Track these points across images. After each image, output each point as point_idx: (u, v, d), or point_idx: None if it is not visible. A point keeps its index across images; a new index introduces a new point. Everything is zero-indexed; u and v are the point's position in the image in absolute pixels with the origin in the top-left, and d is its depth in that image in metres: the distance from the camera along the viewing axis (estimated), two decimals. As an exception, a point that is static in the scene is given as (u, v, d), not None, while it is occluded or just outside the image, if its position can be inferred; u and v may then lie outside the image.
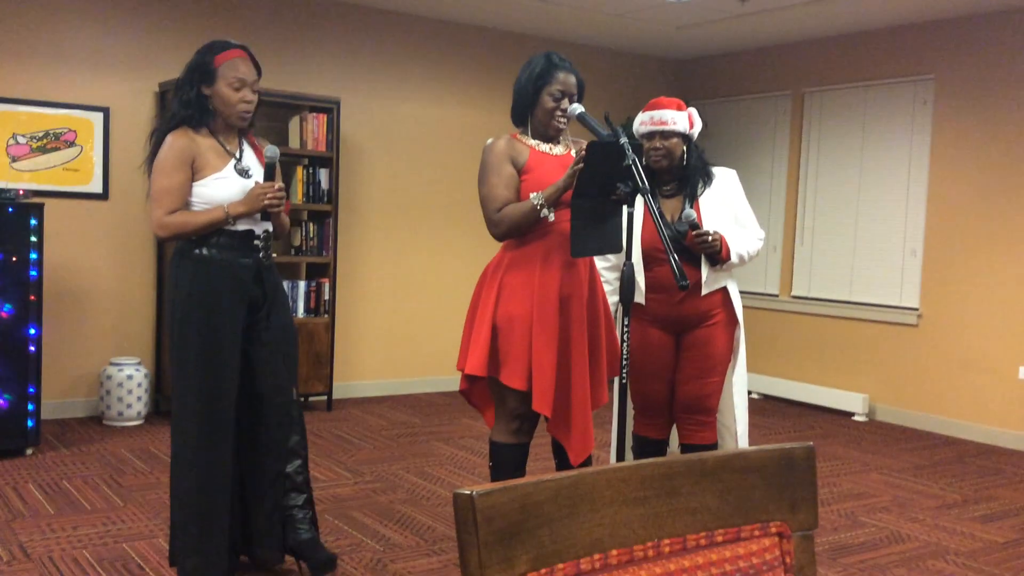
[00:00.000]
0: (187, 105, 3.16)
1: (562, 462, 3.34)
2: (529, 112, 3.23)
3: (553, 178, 3.09)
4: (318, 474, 4.74)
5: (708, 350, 3.50)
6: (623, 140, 2.97)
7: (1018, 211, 5.98)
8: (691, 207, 3.44)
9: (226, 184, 3.15)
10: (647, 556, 1.15)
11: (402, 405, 6.57)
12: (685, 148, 3.47)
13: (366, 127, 6.68)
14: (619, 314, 3.38)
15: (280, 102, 5.93)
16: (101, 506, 4.16)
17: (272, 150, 3.20)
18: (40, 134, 5.58)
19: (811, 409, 6.98)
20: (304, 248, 6.21)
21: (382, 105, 6.74)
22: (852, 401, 6.74)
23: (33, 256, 4.80)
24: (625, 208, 3.14)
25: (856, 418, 6.69)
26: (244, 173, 3.20)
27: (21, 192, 4.82)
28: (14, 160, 5.51)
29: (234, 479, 3.23)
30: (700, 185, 3.49)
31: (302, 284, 6.18)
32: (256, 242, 3.21)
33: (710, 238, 3.33)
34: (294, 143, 6.13)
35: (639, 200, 3.24)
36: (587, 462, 3.25)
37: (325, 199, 6.20)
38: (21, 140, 5.53)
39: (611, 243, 3.13)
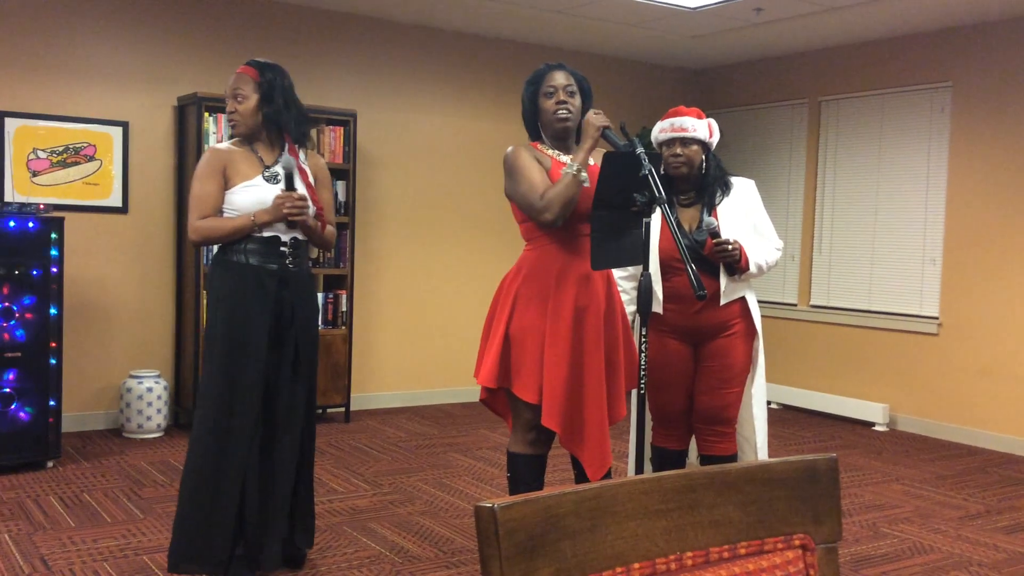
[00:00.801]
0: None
1: (581, 474, 3.31)
2: (538, 123, 3.25)
3: None
4: (336, 486, 4.74)
5: (727, 361, 3.48)
6: (639, 150, 2.96)
7: (1039, 218, 5.93)
8: (710, 216, 3.44)
9: (255, 191, 3.27)
10: (670, 569, 1.14)
11: (420, 416, 6.57)
12: (704, 157, 3.48)
13: (383, 139, 6.70)
14: (636, 324, 3.37)
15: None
16: (121, 518, 4.17)
17: (286, 160, 3.28)
18: (60, 149, 5.63)
19: (831, 419, 6.93)
20: (321, 260, 6.24)
21: (398, 117, 6.76)
22: (872, 411, 6.69)
23: (54, 270, 4.84)
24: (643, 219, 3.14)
25: (877, 428, 6.64)
26: (274, 179, 3.31)
27: (41, 206, 4.86)
28: (35, 175, 5.56)
29: (246, 485, 3.29)
30: (719, 194, 3.49)
31: (320, 296, 6.20)
32: (283, 248, 3.31)
33: (730, 247, 3.32)
34: (311, 156, 6.16)
35: (657, 209, 3.23)
36: (607, 476, 3.22)
37: (342, 211, 6.23)
38: (41, 155, 5.57)
39: (631, 255, 3.11)
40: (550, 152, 3.22)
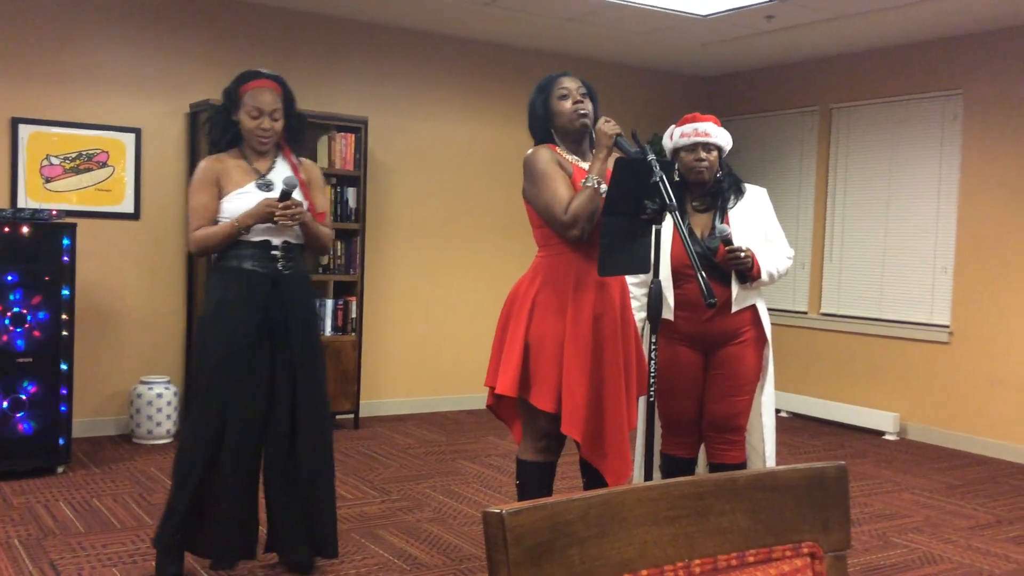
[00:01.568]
0: (216, 129, 3.42)
1: (590, 481, 3.31)
2: (551, 127, 3.23)
3: None
4: (345, 492, 4.74)
5: (737, 368, 3.48)
6: (651, 157, 2.96)
7: (1051, 227, 5.90)
8: (722, 222, 3.44)
9: (247, 198, 3.32)
10: (678, 576, 1.14)
11: (429, 423, 6.57)
12: (719, 164, 3.52)
13: (393, 146, 6.72)
14: (646, 331, 3.37)
15: (308, 122, 5.97)
16: (131, 524, 4.18)
17: (290, 180, 3.30)
18: (73, 155, 5.66)
19: (841, 428, 6.91)
20: (332, 266, 6.25)
21: (409, 124, 6.78)
22: (883, 420, 6.66)
23: (65, 276, 4.86)
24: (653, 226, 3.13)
25: (887, 437, 6.61)
26: (266, 187, 3.34)
27: (54, 212, 4.89)
28: (47, 181, 5.59)
29: (248, 482, 3.37)
30: (732, 199, 3.50)
31: (329, 302, 6.21)
32: (274, 252, 3.34)
33: (742, 254, 3.32)
34: (322, 162, 6.18)
35: (668, 217, 3.23)
36: (627, 484, 3.22)
37: (352, 218, 6.24)
38: (54, 161, 5.61)
39: (639, 263, 3.10)
40: (570, 158, 3.20)
